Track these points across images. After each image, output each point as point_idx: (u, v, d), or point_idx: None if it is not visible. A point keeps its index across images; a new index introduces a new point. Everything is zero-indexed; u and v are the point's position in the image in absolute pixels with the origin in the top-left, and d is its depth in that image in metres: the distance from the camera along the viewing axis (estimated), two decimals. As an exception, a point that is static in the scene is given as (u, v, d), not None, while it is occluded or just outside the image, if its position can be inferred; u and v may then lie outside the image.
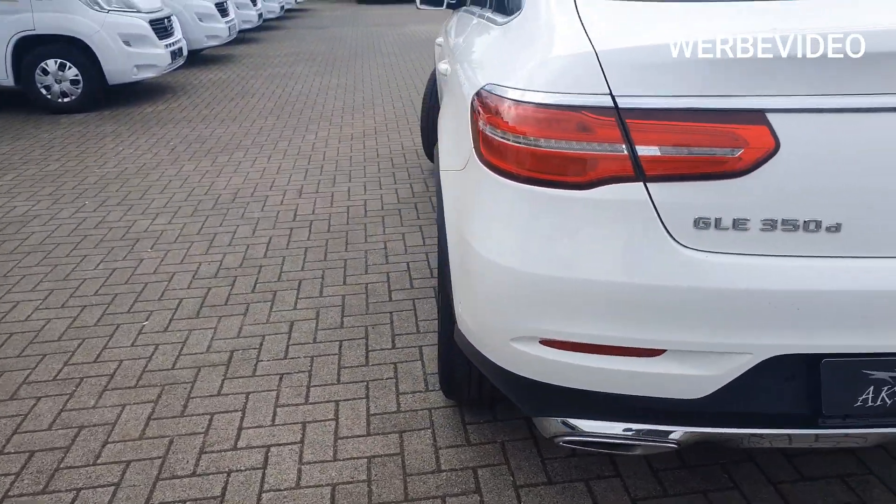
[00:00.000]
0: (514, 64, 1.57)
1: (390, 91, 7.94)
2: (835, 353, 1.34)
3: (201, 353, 2.74)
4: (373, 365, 2.63)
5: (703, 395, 1.40)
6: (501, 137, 1.48)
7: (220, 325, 2.95)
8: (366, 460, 2.13)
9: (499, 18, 2.00)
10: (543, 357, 1.49)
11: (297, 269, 3.47)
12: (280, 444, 2.21)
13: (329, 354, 2.71)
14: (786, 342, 1.33)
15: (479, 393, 2.18)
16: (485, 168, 1.54)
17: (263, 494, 2.01)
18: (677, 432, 1.45)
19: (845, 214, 1.27)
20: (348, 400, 2.43)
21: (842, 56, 1.20)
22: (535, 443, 2.18)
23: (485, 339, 1.62)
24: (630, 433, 1.48)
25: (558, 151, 1.37)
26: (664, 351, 1.39)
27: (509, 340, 1.52)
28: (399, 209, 4.23)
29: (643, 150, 1.31)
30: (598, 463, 2.09)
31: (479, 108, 1.59)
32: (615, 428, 1.50)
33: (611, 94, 1.32)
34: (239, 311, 3.07)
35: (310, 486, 2.04)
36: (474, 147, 1.61)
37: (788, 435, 1.40)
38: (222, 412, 2.38)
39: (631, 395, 1.45)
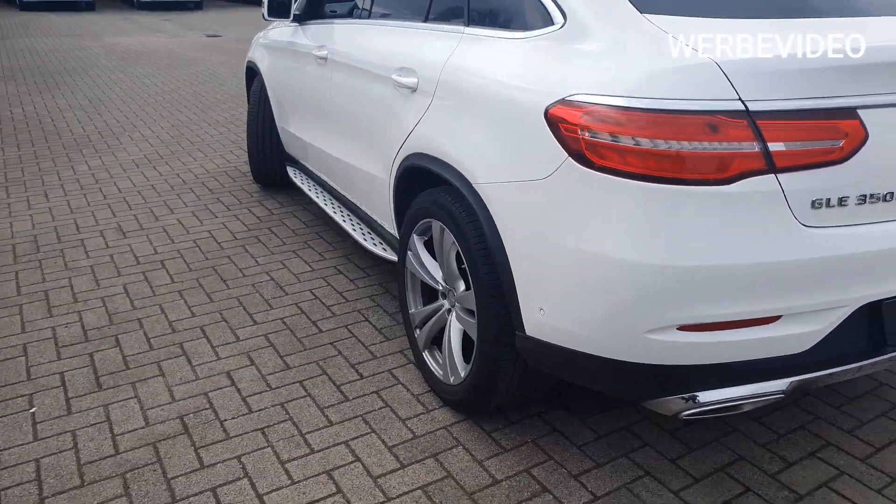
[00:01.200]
0: (605, 72, 1.70)
1: (146, 111, 7.21)
2: (891, 297, 1.74)
3: (143, 428, 2.35)
4: (354, 399, 2.52)
5: (807, 348, 1.71)
6: (619, 142, 1.61)
7: (141, 393, 2.54)
8: (420, 491, 2.08)
9: (512, 33, 2.09)
10: (679, 341, 1.67)
11: (186, 315, 3.10)
12: (319, 500, 2.04)
13: (298, 398, 2.52)
14: (871, 292, 1.70)
15: (508, 400, 2.26)
16: (600, 174, 1.66)
17: (348, 555, 1.86)
18: (785, 383, 1.74)
19: (903, 182, 1.67)
20: (356, 438, 2.31)
21: None
22: (563, 435, 2.33)
23: (604, 337, 1.74)
24: (749, 393, 1.73)
25: (697, 152, 1.56)
26: (780, 316, 1.67)
27: (644, 333, 1.67)
28: (256, 236, 3.97)
29: (773, 146, 1.56)
30: (626, 438, 2.32)
31: (574, 115, 1.69)
32: (735, 392, 1.73)
33: (740, 98, 1.55)
34: (151, 372, 2.67)
35: (384, 533, 1.93)
36: (570, 154, 1.71)
37: (868, 366, 1.77)
38: (224, 484, 2.10)
39: (750, 360, 1.70)
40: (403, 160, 2.49)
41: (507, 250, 1.94)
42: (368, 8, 3.08)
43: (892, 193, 1.67)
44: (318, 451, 2.25)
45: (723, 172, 1.57)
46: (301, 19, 3.76)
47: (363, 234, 3.16)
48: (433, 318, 2.49)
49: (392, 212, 2.73)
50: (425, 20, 2.59)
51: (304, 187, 3.91)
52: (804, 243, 1.61)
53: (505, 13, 2.20)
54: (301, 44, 3.64)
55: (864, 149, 1.62)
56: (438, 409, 2.46)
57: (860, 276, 1.67)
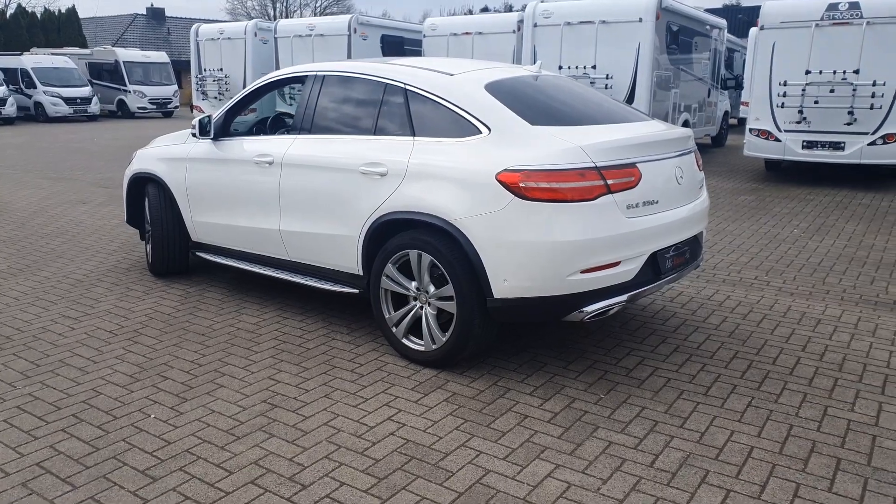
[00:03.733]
0: (525, 154, 3.60)
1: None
2: (659, 249, 3.86)
3: (244, 410, 3.54)
4: (368, 374, 3.95)
5: (631, 278, 3.73)
6: (540, 186, 3.51)
7: (219, 395, 3.68)
8: (445, 402, 3.63)
9: (450, 139, 3.88)
10: (581, 279, 3.57)
11: (197, 356, 4.19)
12: (391, 417, 3.48)
13: (331, 380, 3.88)
14: (652, 247, 3.79)
15: (477, 347, 3.94)
16: (533, 202, 3.53)
17: None
18: (625, 297, 3.73)
19: (659, 194, 3.82)
20: (388, 389, 3.76)
21: (654, 140, 3.79)
22: (502, 368, 4.04)
23: (544, 284, 3.57)
24: (611, 303, 3.69)
25: (577, 187, 3.53)
26: (620, 262, 3.67)
27: (566, 277, 3.55)
28: (194, 306, 5.06)
29: (609, 181, 3.59)
30: (535, 363, 4.11)
31: (514, 176, 3.55)
32: (605, 303, 3.67)
33: (592, 161, 3.57)
34: (213, 386, 3.80)
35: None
36: (514, 195, 3.56)
37: (655, 286, 3.86)
38: (336, 418, 3.43)
39: (609, 286, 3.67)
40: (377, 219, 4.08)
41: (478, 252, 3.67)
42: (308, 126, 4.62)
43: (654, 200, 3.80)
44: (371, 398, 3.66)
45: (590, 195, 3.55)
46: (216, 137, 5.14)
47: (317, 282, 4.59)
48: (408, 316, 4.07)
49: (359, 257, 4.26)
50: (374, 133, 4.28)
51: (230, 263, 5.16)
52: (626, 225, 3.64)
53: (441, 128, 3.99)
54: (228, 154, 5.01)
55: (641, 181, 3.72)
56: (423, 369, 4.01)
57: (647, 239, 3.75)
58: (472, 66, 4.41)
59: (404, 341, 4.12)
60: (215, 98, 16.59)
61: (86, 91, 26.49)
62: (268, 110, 5.43)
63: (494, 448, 3.20)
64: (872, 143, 10.18)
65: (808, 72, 10.32)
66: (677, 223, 3.98)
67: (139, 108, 28.02)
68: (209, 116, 5.15)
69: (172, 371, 3.99)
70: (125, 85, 27.94)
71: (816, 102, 10.33)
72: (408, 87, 4.21)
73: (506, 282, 3.63)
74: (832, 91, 10.24)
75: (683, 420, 3.47)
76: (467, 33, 13.49)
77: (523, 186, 3.55)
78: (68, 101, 25.75)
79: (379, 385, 3.82)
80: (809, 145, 10.59)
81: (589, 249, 3.56)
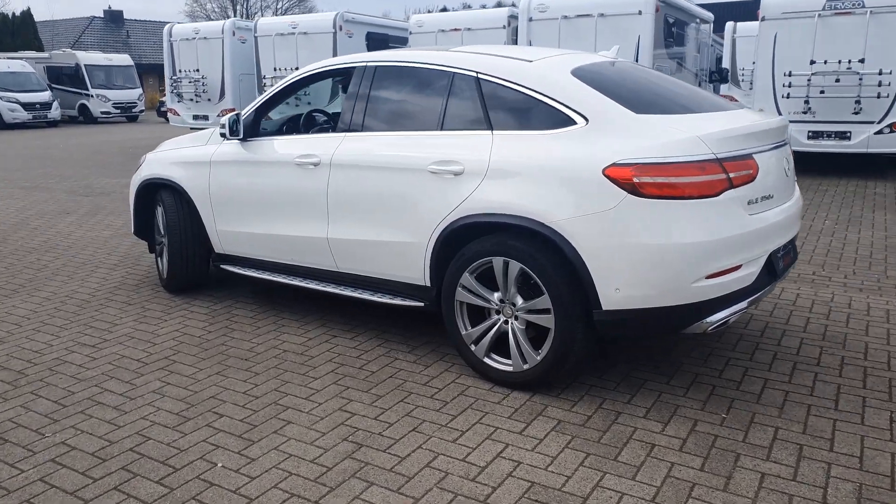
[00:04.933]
0: (635, 146, 3.11)
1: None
2: (775, 249, 3.41)
3: (325, 452, 2.99)
4: (452, 401, 3.43)
5: (752, 281, 3.28)
6: (657, 181, 3.04)
7: (288, 433, 3.12)
8: (553, 431, 3.14)
9: (538, 131, 3.37)
10: (707, 285, 3.10)
11: (250, 387, 3.62)
12: (502, 451, 2.98)
13: (413, 410, 3.35)
14: (770, 247, 3.34)
15: (576, 366, 3.45)
16: (650, 200, 3.05)
17: None
18: (746, 302, 3.27)
19: (773, 189, 3.37)
20: (482, 418, 3.25)
21: (763, 130, 3.33)
22: (598, 387, 3.56)
23: (667, 293, 3.09)
24: (735, 310, 3.23)
25: (699, 181, 3.06)
26: (741, 265, 3.21)
27: (691, 283, 3.07)
28: (225, 326, 4.47)
29: (731, 175, 3.12)
30: (632, 381, 3.64)
31: (626, 171, 3.07)
32: (728, 311, 3.21)
33: (713, 152, 3.10)
34: (279, 423, 3.24)
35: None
36: (627, 192, 3.07)
37: (769, 290, 3.41)
38: (438, 456, 2.91)
39: (732, 291, 3.21)
40: (452, 223, 3.55)
41: (583, 258, 3.18)
42: (359, 123, 4.06)
43: (770, 195, 3.36)
44: (467, 431, 3.15)
45: (712, 191, 3.08)
46: (245, 137, 4.55)
47: (372, 294, 4.04)
48: (491, 331, 3.56)
49: (427, 266, 3.73)
50: (441, 128, 3.74)
51: (263, 276, 4.59)
52: (749, 223, 3.19)
53: (525, 120, 3.48)
54: (262, 156, 4.42)
55: (759, 174, 3.27)
56: (514, 393, 3.50)
57: (767, 238, 3.31)
58: (546, 53, 3.91)
59: (486, 360, 3.60)
60: (191, 100, 15.74)
61: (45, 96, 25.26)
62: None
63: (636, 488, 2.71)
64: (879, 132, 9.98)
65: (812, 62, 10.07)
66: (789, 219, 3.55)
67: (103, 112, 26.88)
68: (237, 114, 4.55)
69: (225, 406, 3.41)
70: (87, 89, 26.75)
71: (822, 92, 10.11)
72: (481, 75, 3.69)
73: (618, 291, 3.15)
74: (838, 81, 10.02)
75: (829, 442, 3.03)
76: (456, 29, 12.96)
77: (637, 182, 3.07)
78: (27, 106, 24.53)
79: (470, 414, 3.30)
80: (815, 135, 10.36)
81: (715, 252, 3.10)
